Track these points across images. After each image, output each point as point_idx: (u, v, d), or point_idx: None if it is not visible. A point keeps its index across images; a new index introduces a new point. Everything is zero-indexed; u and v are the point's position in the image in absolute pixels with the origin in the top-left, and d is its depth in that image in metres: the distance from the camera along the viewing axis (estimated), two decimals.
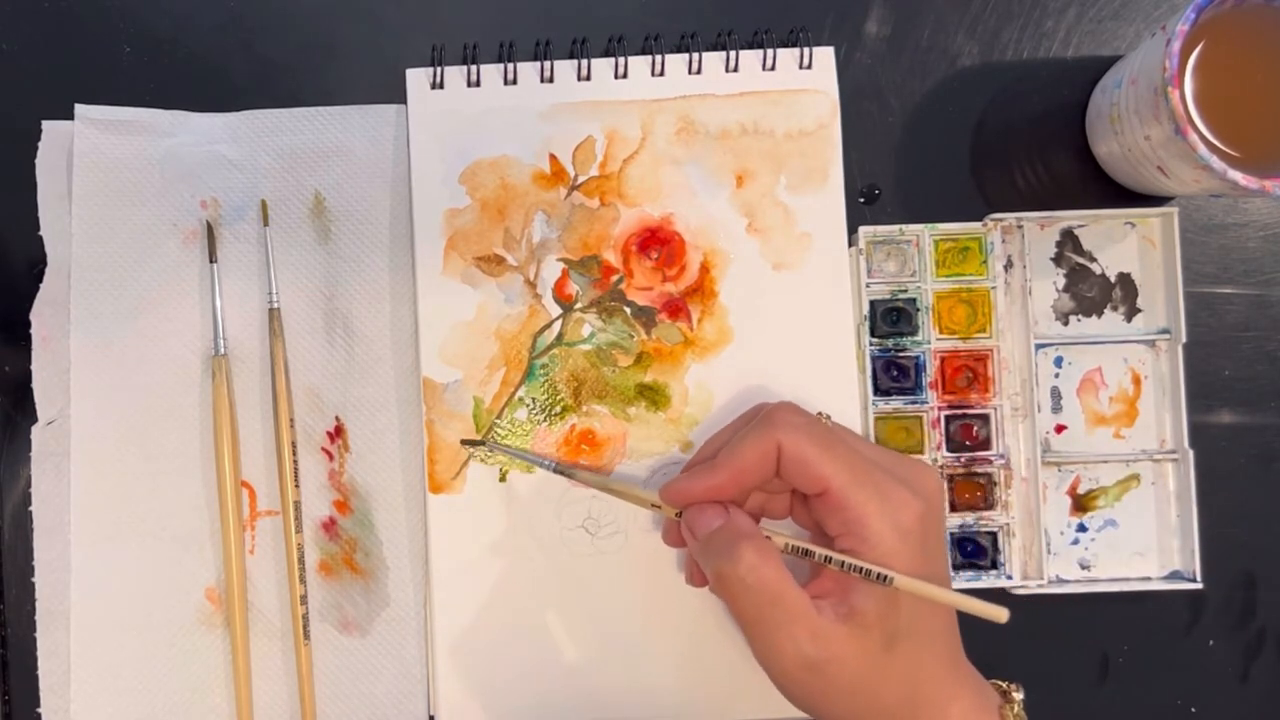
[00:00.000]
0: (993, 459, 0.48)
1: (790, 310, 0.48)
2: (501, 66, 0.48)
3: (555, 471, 0.46)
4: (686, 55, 0.48)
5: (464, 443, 0.47)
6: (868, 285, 0.48)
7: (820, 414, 0.42)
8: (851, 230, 0.48)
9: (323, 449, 0.48)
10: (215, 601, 0.47)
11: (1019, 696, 0.41)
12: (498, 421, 0.47)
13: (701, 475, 0.41)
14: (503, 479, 0.47)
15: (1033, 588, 0.47)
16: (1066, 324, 0.49)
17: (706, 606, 0.47)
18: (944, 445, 0.48)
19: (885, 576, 0.37)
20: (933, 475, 0.41)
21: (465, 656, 0.47)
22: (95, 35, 0.49)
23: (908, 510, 0.38)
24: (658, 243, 0.48)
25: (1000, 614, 0.38)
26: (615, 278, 0.48)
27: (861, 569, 0.38)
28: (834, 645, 0.37)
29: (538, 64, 0.48)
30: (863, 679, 0.38)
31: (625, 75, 0.48)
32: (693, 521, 0.41)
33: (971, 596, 0.38)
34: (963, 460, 0.48)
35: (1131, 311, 0.49)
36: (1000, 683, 0.42)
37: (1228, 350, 0.49)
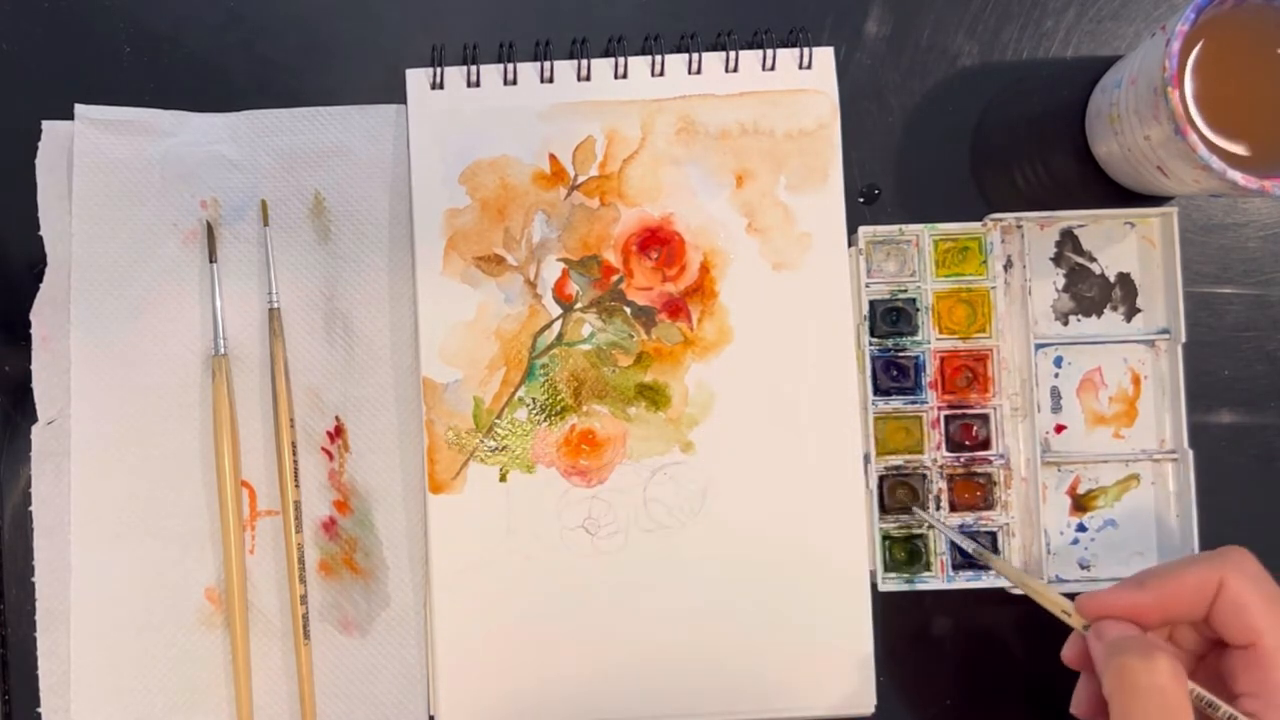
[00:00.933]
0: (992, 459, 0.48)
1: (790, 310, 0.48)
2: (501, 66, 0.48)
3: (974, 554, 0.46)
4: (686, 55, 0.48)
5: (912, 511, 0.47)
6: (867, 285, 0.48)
7: None
8: (851, 230, 0.48)
9: (323, 449, 0.48)
10: (215, 601, 0.47)
11: None
12: (498, 421, 0.47)
13: (1126, 590, 0.39)
14: (503, 479, 0.47)
15: None
16: (1066, 324, 0.49)
17: (706, 607, 0.47)
18: (943, 445, 0.48)
19: None
20: None
21: (465, 656, 0.47)
22: (95, 35, 0.49)
23: None
24: (658, 243, 0.48)
25: None
26: (615, 278, 0.48)
27: None
28: None
29: (538, 64, 0.48)
30: None
31: (625, 75, 0.48)
32: (1104, 630, 0.39)
33: None
34: (962, 460, 0.48)
35: (1131, 311, 0.49)
36: None
37: (1228, 350, 0.49)
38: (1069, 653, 0.42)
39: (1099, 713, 0.40)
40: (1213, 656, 0.40)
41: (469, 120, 0.48)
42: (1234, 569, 0.38)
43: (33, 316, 0.48)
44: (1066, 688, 0.49)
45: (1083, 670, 0.41)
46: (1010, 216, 0.48)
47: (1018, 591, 0.47)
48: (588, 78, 0.48)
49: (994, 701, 0.48)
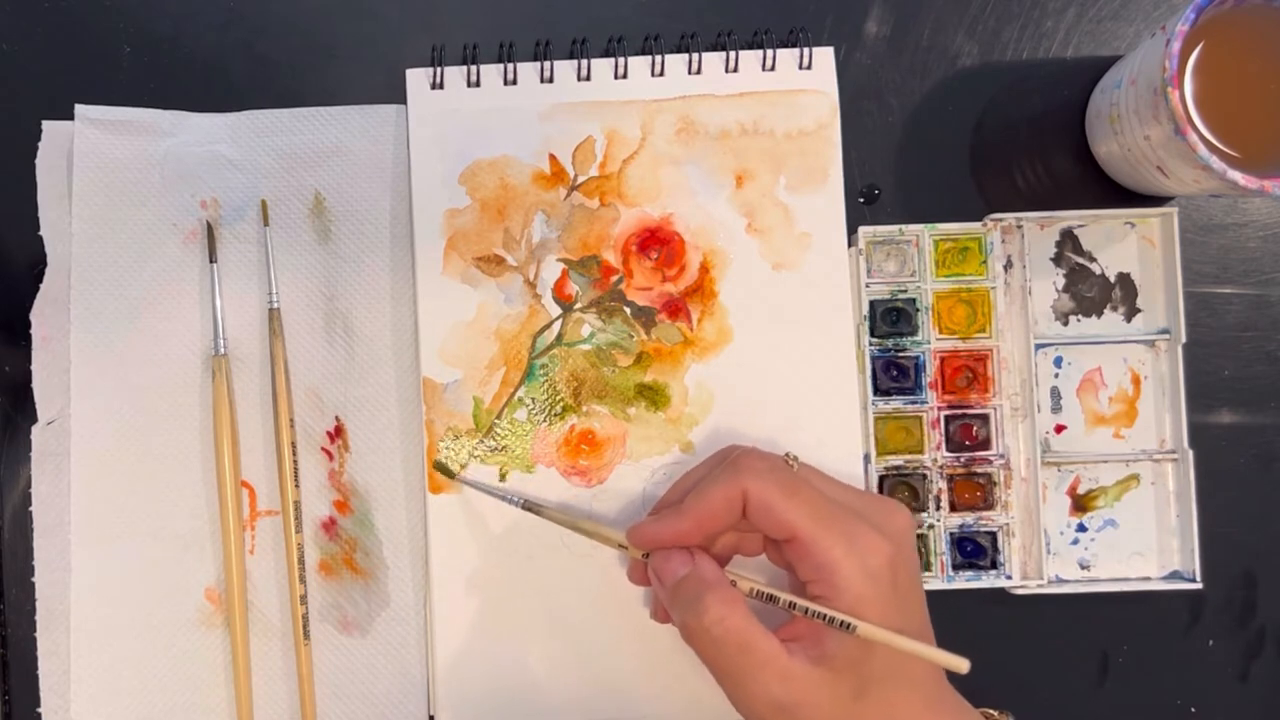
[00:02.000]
0: (992, 459, 0.48)
1: (790, 310, 0.48)
2: (501, 66, 0.48)
3: (523, 508, 0.45)
4: (686, 55, 0.48)
5: (436, 466, 0.47)
6: (867, 285, 0.48)
7: (787, 455, 0.42)
8: (851, 230, 0.48)
9: (323, 449, 0.48)
10: (215, 601, 0.47)
11: None
12: (497, 421, 0.47)
13: (668, 520, 0.40)
14: (503, 478, 0.47)
15: (1032, 588, 0.47)
16: (1066, 324, 0.49)
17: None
18: (944, 445, 0.48)
19: (849, 625, 0.37)
20: (902, 515, 0.40)
21: (465, 656, 0.47)
22: (95, 35, 0.49)
23: (876, 554, 0.38)
24: (657, 243, 0.48)
25: (961, 665, 0.37)
26: (615, 278, 0.48)
27: (825, 616, 0.37)
28: (806, 689, 0.37)
29: (538, 64, 0.48)
30: None
31: (625, 75, 0.48)
32: (659, 567, 0.41)
33: (933, 647, 0.38)
34: (962, 460, 0.48)
35: (1131, 311, 0.49)
36: (991, 711, 0.41)
37: (1227, 350, 0.49)
38: (633, 574, 0.45)
39: (669, 619, 0.42)
40: (783, 546, 0.41)
41: (469, 120, 0.48)
42: (750, 474, 0.39)
43: (33, 316, 0.48)
44: (1065, 687, 0.49)
45: (646, 585, 0.44)
46: (1010, 216, 0.48)
47: (1018, 591, 0.47)
48: (588, 78, 0.48)
49: (994, 702, 0.48)
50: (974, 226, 0.48)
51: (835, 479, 0.42)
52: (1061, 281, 0.49)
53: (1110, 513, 0.48)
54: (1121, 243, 0.49)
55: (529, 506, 0.45)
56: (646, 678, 0.47)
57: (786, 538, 0.39)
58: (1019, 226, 0.48)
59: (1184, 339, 0.48)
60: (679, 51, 0.49)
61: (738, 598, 0.39)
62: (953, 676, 0.39)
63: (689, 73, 0.48)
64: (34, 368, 0.48)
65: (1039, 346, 0.48)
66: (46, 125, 0.48)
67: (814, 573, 0.38)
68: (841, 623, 0.37)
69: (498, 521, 0.47)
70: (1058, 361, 0.49)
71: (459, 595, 0.47)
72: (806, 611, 0.38)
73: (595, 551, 0.47)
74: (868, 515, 0.39)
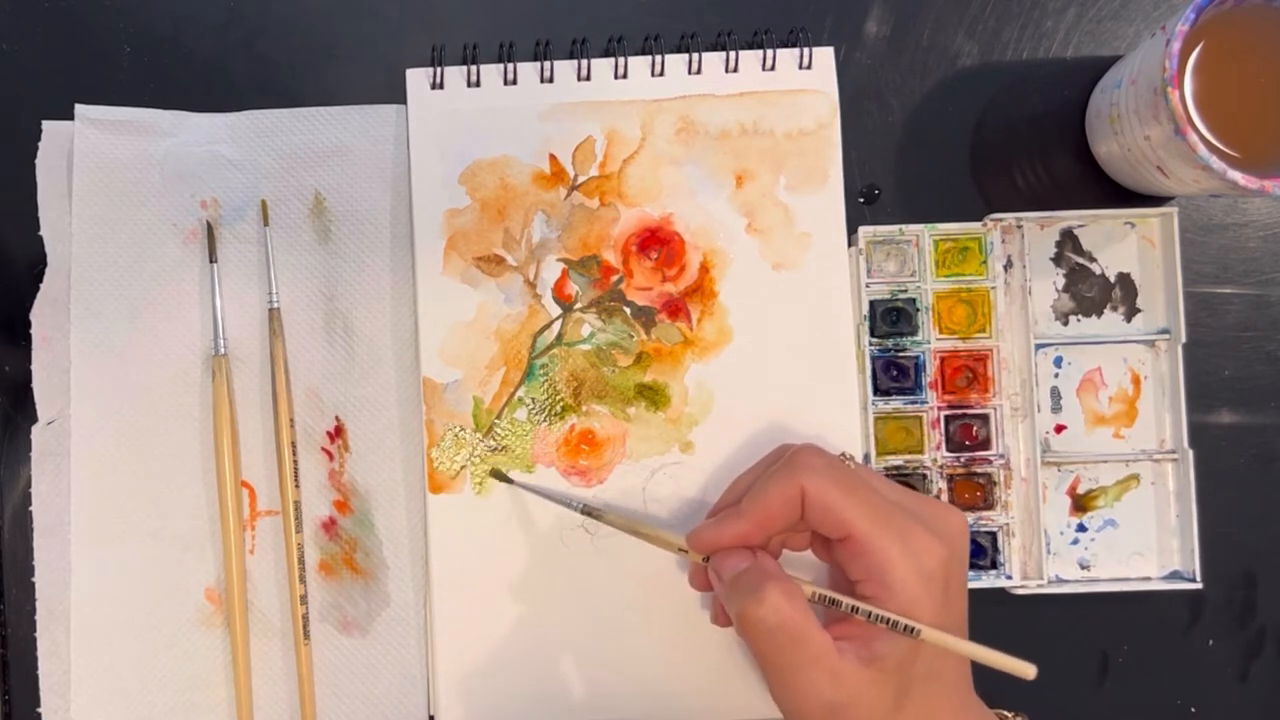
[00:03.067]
0: (992, 459, 0.48)
1: (790, 310, 0.48)
2: (501, 66, 0.48)
3: (583, 513, 0.45)
4: (686, 55, 0.48)
5: (493, 474, 0.47)
6: (867, 285, 0.48)
7: (843, 454, 0.42)
8: (851, 230, 0.48)
9: (323, 449, 0.48)
10: (215, 601, 0.47)
11: None
12: (497, 421, 0.47)
13: (728, 522, 0.40)
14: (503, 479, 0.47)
15: (1032, 588, 0.47)
16: (1066, 324, 0.49)
17: (705, 607, 0.47)
18: (944, 445, 0.48)
19: (912, 629, 0.37)
20: (957, 517, 0.40)
21: (465, 656, 0.47)
22: (95, 35, 0.49)
23: (931, 555, 0.38)
24: (657, 243, 0.48)
25: (1028, 670, 0.37)
26: (615, 278, 0.48)
27: (888, 620, 0.37)
28: (853, 689, 0.37)
29: (538, 64, 0.48)
30: None
31: (625, 75, 0.48)
32: (719, 565, 0.41)
33: (998, 651, 0.38)
34: (962, 460, 0.48)
35: (1131, 311, 0.49)
36: (1005, 713, 0.42)
37: (1228, 350, 0.49)
38: (694, 579, 0.45)
39: (729, 622, 0.42)
40: (836, 546, 0.41)
41: (469, 120, 0.48)
42: (807, 472, 0.39)
43: (33, 316, 0.48)
44: (1065, 687, 0.49)
45: (708, 590, 0.44)
46: (1010, 216, 0.48)
47: (1018, 591, 0.47)
48: (588, 78, 0.48)
49: (993, 702, 0.48)
50: (974, 226, 0.48)
51: (889, 479, 0.42)
52: (1061, 281, 0.49)
53: (1110, 513, 0.48)
54: (1121, 243, 0.49)
55: (588, 511, 0.45)
56: (646, 678, 0.47)
57: (842, 536, 0.38)
58: (1019, 226, 0.48)
59: (1184, 339, 0.48)
60: (679, 51, 0.49)
61: (798, 591, 0.38)
62: None
63: (689, 73, 0.48)
64: (34, 368, 0.48)
65: (1039, 346, 0.48)
66: (46, 125, 0.48)
67: (867, 572, 0.38)
68: (905, 627, 0.37)
69: (498, 521, 0.47)
70: (1058, 361, 0.49)
71: (459, 595, 0.47)
72: (870, 616, 0.38)
73: (596, 552, 0.47)
74: (923, 517, 0.39)
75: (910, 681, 0.38)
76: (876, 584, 0.38)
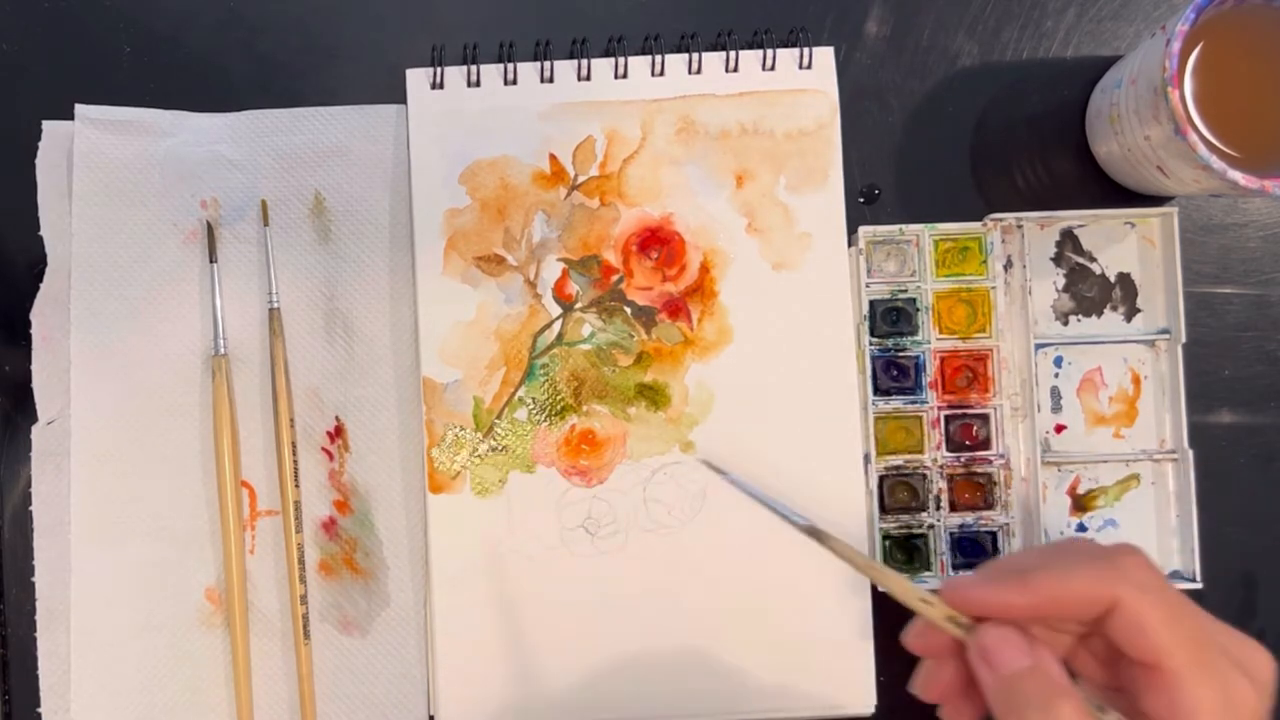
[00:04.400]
0: (992, 459, 0.48)
1: (790, 310, 0.48)
2: (501, 66, 0.48)
3: (806, 532, 0.38)
4: (686, 55, 0.48)
5: (704, 463, 0.46)
6: (867, 285, 0.48)
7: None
8: (851, 230, 0.48)
9: (323, 449, 0.48)
10: (215, 601, 0.47)
11: None
12: (498, 421, 0.47)
13: (1009, 586, 0.34)
14: (502, 480, 0.47)
15: None
16: (1066, 324, 0.49)
17: (706, 607, 0.47)
18: (944, 445, 0.48)
19: None
20: (1268, 661, 0.35)
21: (465, 656, 0.47)
22: (95, 35, 0.49)
23: (1244, 706, 0.33)
24: (658, 243, 0.48)
25: None
26: (615, 278, 0.48)
27: None
28: None
29: (538, 64, 0.48)
30: None
31: (625, 75, 0.48)
32: (993, 649, 0.34)
33: None
34: (963, 460, 0.48)
35: (1131, 311, 0.49)
36: None
37: (1228, 350, 0.49)
38: (920, 642, 0.36)
39: (949, 698, 0.36)
40: (1100, 645, 0.36)
41: (469, 120, 0.48)
42: (1129, 584, 0.33)
43: (33, 316, 0.48)
44: None
45: (930, 657, 0.36)
46: (1010, 216, 0.48)
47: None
48: (588, 78, 0.48)
49: None
50: (974, 226, 0.48)
51: (1202, 609, 0.35)
52: (1061, 281, 0.49)
53: (1110, 513, 0.48)
54: (1121, 243, 0.49)
55: (813, 532, 0.38)
56: (647, 679, 0.47)
57: (1148, 662, 0.33)
58: (1019, 226, 0.48)
59: (1184, 339, 0.48)
60: (679, 51, 0.49)
61: (1092, 716, 0.33)
62: None
63: (689, 73, 0.48)
64: (34, 368, 0.48)
65: (1039, 346, 0.48)
66: (46, 125, 0.48)
67: (1169, 712, 0.33)
68: None
69: (498, 521, 0.47)
70: (1058, 361, 0.49)
71: (459, 595, 0.47)
72: None
73: (596, 552, 0.47)
74: (1239, 658, 0.34)
75: None
76: None
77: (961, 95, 0.50)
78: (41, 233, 0.48)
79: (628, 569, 0.47)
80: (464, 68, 0.48)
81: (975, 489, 0.48)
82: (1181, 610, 0.34)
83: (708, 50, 0.49)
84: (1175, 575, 0.48)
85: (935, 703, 0.37)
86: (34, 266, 0.48)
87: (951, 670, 0.36)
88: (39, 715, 0.47)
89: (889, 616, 0.48)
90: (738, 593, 0.47)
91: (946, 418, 0.48)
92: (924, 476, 0.48)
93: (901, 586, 0.36)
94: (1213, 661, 0.33)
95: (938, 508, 0.48)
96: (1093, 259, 0.49)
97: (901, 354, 0.48)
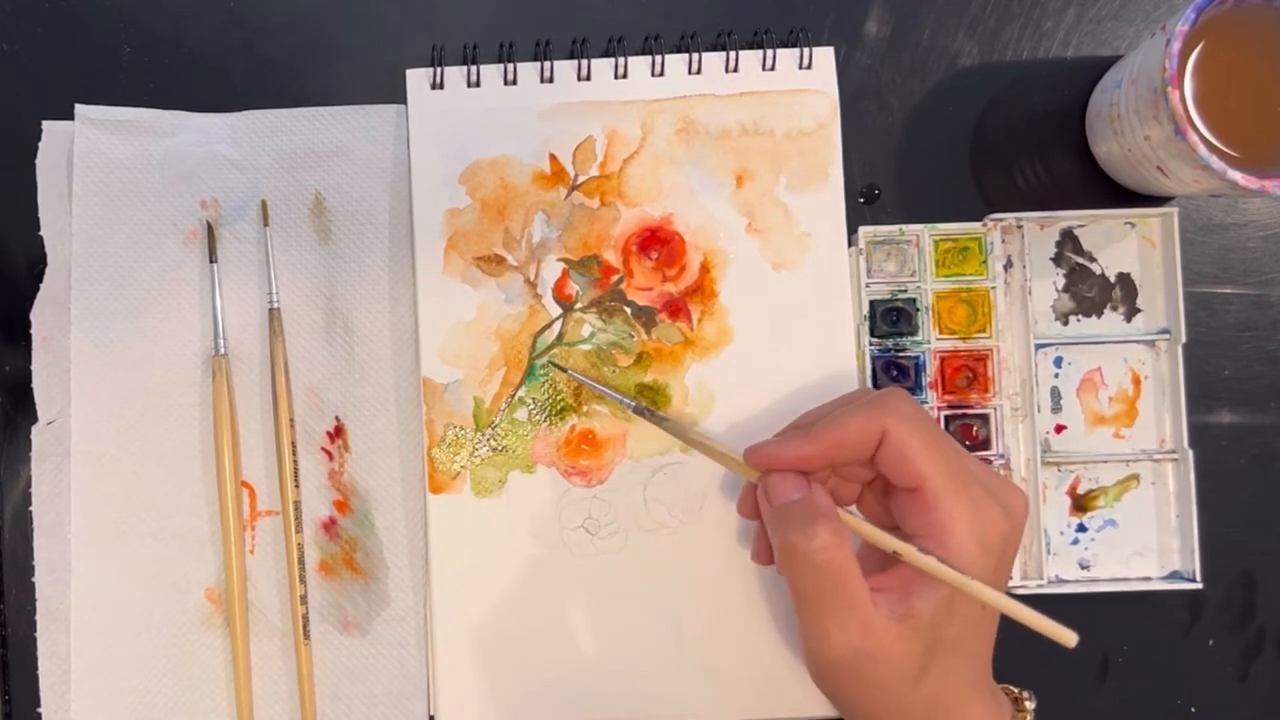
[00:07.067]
0: (993, 459, 0.48)
1: (790, 310, 0.48)
2: (501, 66, 0.48)
3: (635, 412, 0.45)
4: (686, 55, 0.48)
5: (550, 363, 0.47)
6: (867, 285, 0.48)
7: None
8: (851, 230, 0.48)
9: (323, 449, 0.48)
10: (215, 601, 0.47)
11: (1031, 705, 0.41)
12: (498, 421, 0.47)
13: (794, 442, 0.39)
14: (502, 480, 0.47)
15: (1032, 588, 0.47)
16: (1066, 324, 0.49)
17: (706, 606, 0.47)
18: None
19: (966, 584, 0.37)
20: (1022, 498, 0.40)
21: (465, 656, 0.47)
22: (95, 35, 0.49)
23: (995, 527, 0.38)
24: (658, 243, 0.48)
25: (1069, 638, 0.37)
26: (615, 278, 0.48)
27: (942, 563, 0.37)
28: (883, 642, 0.37)
29: (538, 64, 0.48)
30: (900, 679, 0.37)
31: (625, 75, 0.48)
32: (772, 488, 0.40)
33: (1041, 615, 0.37)
34: None
35: (1131, 311, 0.49)
36: (1012, 689, 0.41)
37: (1228, 350, 0.49)
38: (744, 506, 0.43)
39: (772, 560, 0.41)
40: (879, 485, 0.41)
41: (469, 120, 0.48)
42: (894, 415, 0.38)
43: (33, 316, 0.48)
44: (1065, 687, 0.49)
45: (756, 520, 0.43)
46: (1010, 216, 0.48)
47: (1018, 591, 0.47)
48: (588, 78, 0.48)
49: None
50: (974, 226, 0.48)
51: (965, 449, 0.41)
52: (1061, 281, 0.49)
53: (1110, 513, 0.48)
54: (1121, 243, 0.49)
55: (641, 411, 0.45)
56: (647, 677, 0.47)
57: (912, 486, 0.38)
58: (1019, 226, 0.48)
59: (1184, 339, 0.48)
60: (679, 51, 0.49)
61: (846, 534, 0.38)
62: None
63: (689, 73, 0.48)
64: (34, 368, 0.48)
65: (1039, 346, 0.48)
66: (46, 125, 0.48)
67: (928, 528, 0.38)
68: (957, 573, 0.37)
69: (498, 521, 0.47)
70: (1058, 361, 0.49)
71: (459, 595, 0.47)
72: (926, 555, 0.37)
73: (596, 552, 0.47)
74: (992, 489, 0.39)
75: (938, 646, 0.38)
76: (935, 541, 0.37)
77: (961, 95, 0.50)
78: (41, 233, 0.48)
79: (628, 569, 0.47)
80: (464, 68, 0.48)
81: None
82: (939, 439, 0.39)
83: (708, 50, 0.49)
84: (1175, 575, 0.48)
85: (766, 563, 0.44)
86: (34, 266, 0.48)
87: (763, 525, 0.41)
88: (39, 715, 0.47)
89: None
90: (737, 593, 0.47)
91: (946, 418, 0.48)
92: None
93: (719, 454, 0.42)
94: (967, 486, 0.38)
95: None
96: (1093, 259, 0.49)
97: (901, 354, 0.48)
